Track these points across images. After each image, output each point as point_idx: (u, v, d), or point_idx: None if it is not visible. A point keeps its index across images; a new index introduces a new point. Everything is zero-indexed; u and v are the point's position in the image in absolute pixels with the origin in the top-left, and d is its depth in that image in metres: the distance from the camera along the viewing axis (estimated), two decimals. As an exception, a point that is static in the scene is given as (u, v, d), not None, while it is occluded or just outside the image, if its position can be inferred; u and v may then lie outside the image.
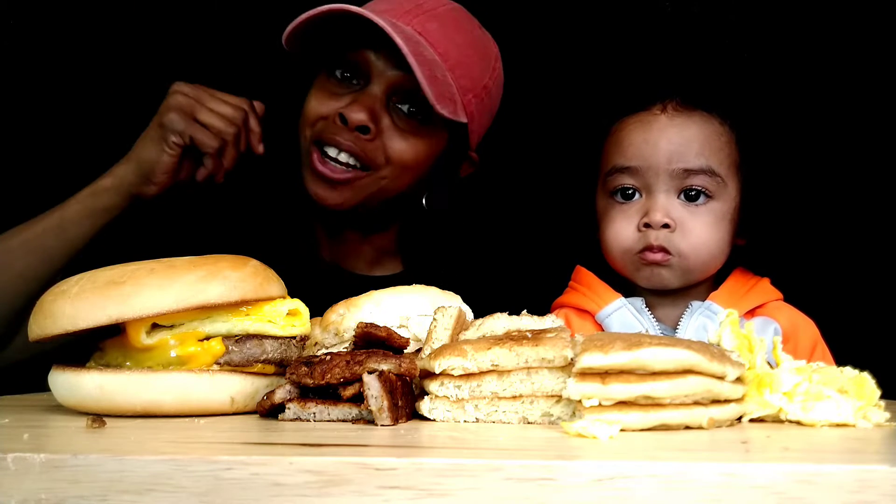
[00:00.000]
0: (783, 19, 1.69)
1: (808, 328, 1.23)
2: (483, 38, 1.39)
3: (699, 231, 1.17)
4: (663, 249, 1.17)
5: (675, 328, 1.21)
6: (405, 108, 1.31)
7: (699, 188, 1.17)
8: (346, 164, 1.30)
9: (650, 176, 1.17)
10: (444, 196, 1.43)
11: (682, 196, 1.18)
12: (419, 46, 1.25)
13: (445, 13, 1.33)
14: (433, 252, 1.51)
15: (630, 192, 1.20)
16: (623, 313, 1.21)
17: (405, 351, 0.79)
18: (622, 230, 1.19)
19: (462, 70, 1.31)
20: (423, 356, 0.79)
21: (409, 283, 0.96)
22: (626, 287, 1.26)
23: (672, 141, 1.17)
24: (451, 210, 1.45)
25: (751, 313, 1.21)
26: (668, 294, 1.22)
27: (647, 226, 1.17)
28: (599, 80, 1.68)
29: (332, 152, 1.30)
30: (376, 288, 0.95)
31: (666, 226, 1.16)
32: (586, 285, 1.26)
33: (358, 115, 1.27)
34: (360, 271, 1.46)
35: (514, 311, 0.87)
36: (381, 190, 1.34)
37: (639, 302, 1.23)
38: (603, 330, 1.22)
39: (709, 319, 1.19)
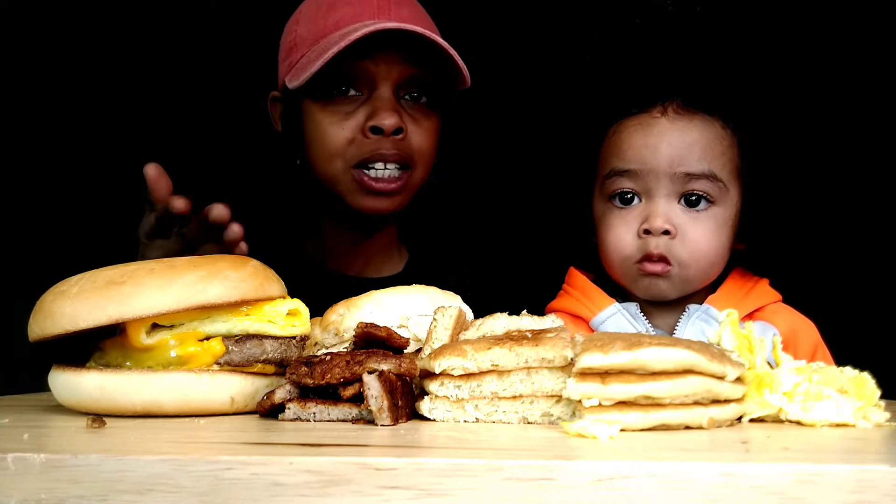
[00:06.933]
0: (786, 23, 1.68)
1: (808, 332, 1.21)
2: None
3: (700, 238, 1.15)
4: (663, 259, 1.14)
5: (671, 333, 1.19)
6: (409, 97, 1.32)
7: (700, 193, 1.15)
8: (393, 172, 1.31)
9: (650, 179, 1.15)
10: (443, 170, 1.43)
11: (682, 201, 1.15)
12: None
13: None
14: (436, 244, 1.51)
15: (629, 196, 1.17)
16: (618, 319, 1.19)
17: (405, 351, 0.79)
18: (621, 237, 1.17)
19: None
20: (423, 356, 0.79)
21: (410, 283, 0.96)
22: (621, 289, 1.24)
23: (673, 144, 1.15)
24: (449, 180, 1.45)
25: (749, 317, 1.19)
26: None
27: (647, 232, 1.14)
28: (597, 81, 1.67)
29: (379, 167, 1.30)
30: (377, 289, 0.95)
31: (667, 232, 1.14)
32: (580, 289, 1.24)
33: (391, 121, 1.27)
34: (361, 273, 1.45)
35: (514, 311, 0.87)
36: (418, 184, 1.35)
37: (633, 307, 1.20)
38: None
39: (706, 323, 1.16)
